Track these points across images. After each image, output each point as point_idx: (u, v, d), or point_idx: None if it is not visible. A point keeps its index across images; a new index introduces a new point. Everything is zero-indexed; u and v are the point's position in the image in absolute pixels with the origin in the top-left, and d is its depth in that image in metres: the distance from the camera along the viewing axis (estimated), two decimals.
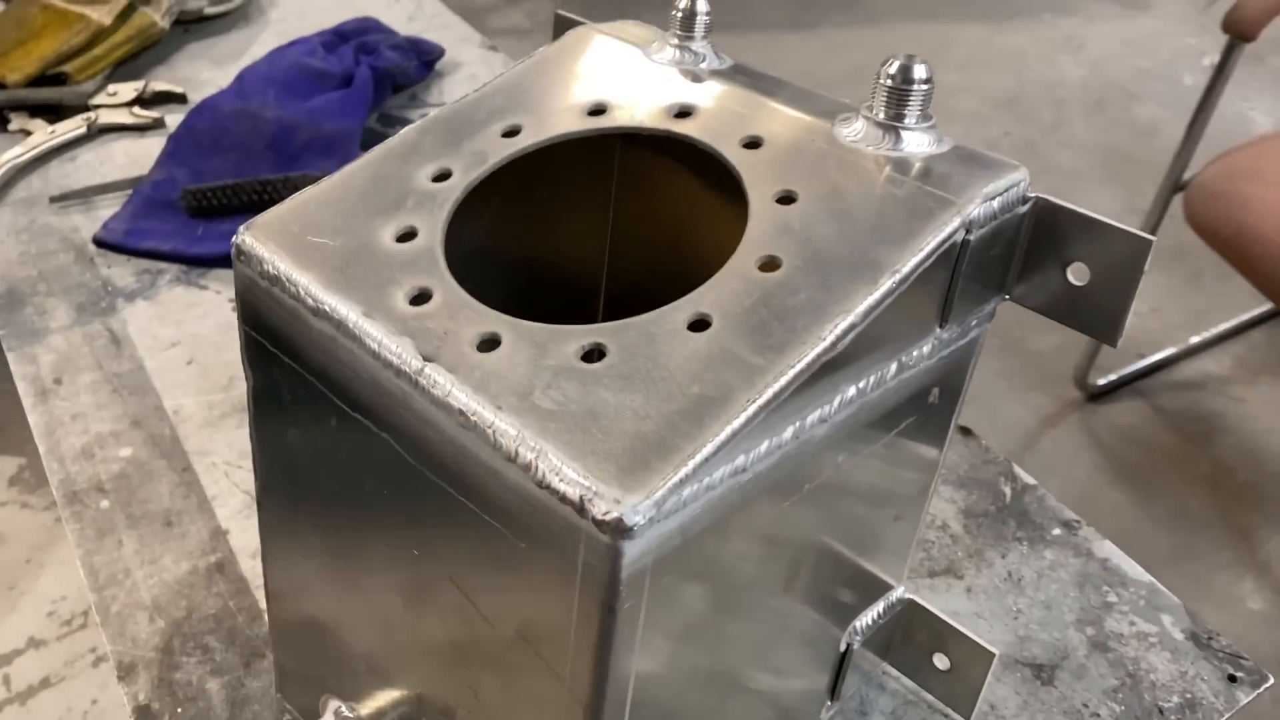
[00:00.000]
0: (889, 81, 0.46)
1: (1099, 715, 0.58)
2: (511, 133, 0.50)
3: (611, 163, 0.57)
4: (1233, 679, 0.59)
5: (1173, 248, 2.27)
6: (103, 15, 1.15)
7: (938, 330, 0.46)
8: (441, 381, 0.39)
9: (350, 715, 0.54)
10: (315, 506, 0.50)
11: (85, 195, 0.98)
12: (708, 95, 0.50)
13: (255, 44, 1.21)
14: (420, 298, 0.43)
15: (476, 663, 0.45)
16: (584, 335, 0.40)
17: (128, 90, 1.09)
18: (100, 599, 0.67)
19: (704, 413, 0.37)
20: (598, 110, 0.51)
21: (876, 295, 0.40)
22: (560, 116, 0.50)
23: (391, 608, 0.48)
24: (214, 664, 0.63)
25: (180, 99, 1.10)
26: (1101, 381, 1.97)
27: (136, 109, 1.08)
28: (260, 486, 0.53)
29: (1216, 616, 1.63)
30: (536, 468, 0.36)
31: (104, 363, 0.83)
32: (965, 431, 0.74)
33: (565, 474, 0.35)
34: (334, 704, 0.54)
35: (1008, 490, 0.70)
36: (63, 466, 0.75)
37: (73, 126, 1.05)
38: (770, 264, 0.42)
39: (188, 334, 0.85)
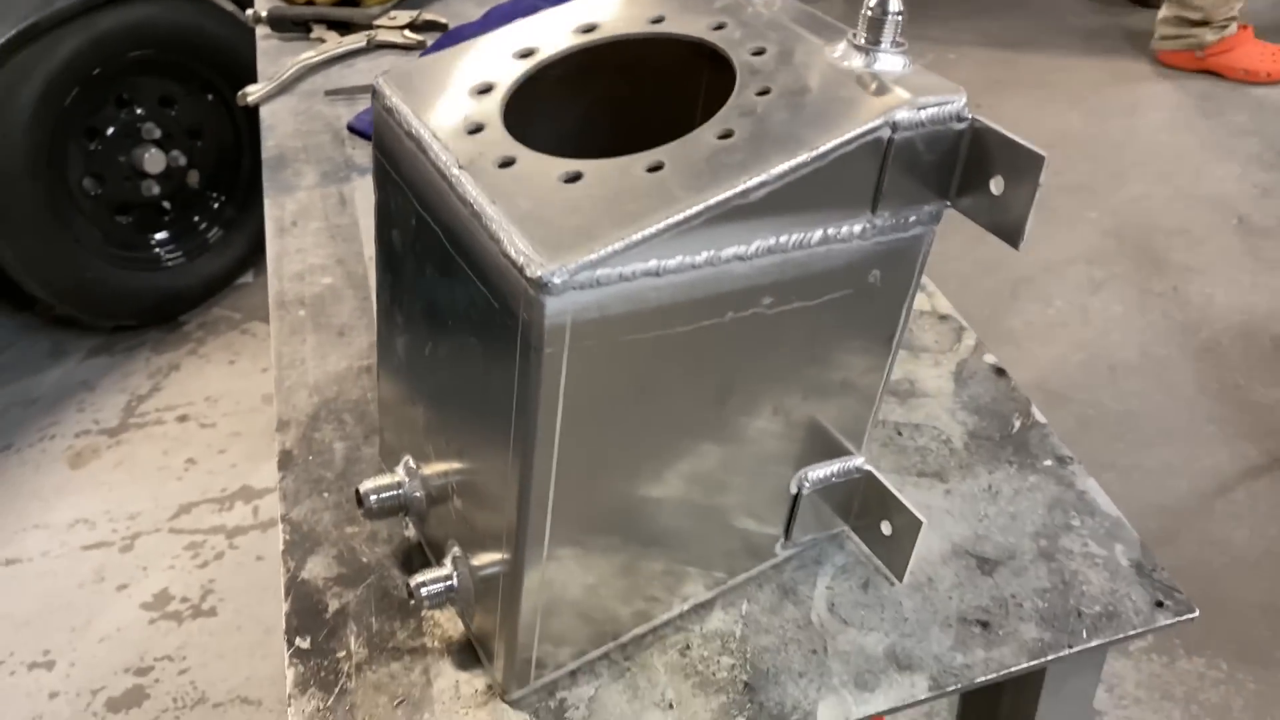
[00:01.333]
0: (868, 11, 0.56)
1: (1022, 605, 0.65)
2: (588, 30, 0.65)
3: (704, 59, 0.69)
4: (1160, 604, 0.65)
5: None
6: None
7: (869, 215, 0.56)
8: (465, 182, 0.54)
9: (414, 467, 0.70)
10: (403, 293, 0.67)
11: (350, 93, 1.22)
12: (743, 16, 0.63)
13: None
14: (475, 129, 0.58)
15: (470, 407, 0.60)
16: (571, 165, 0.54)
17: (404, 16, 1.33)
18: (279, 375, 0.88)
19: (629, 223, 0.50)
20: (657, 20, 0.64)
21: (792, 164, 0.52)
22: (627, 21, 0.64)
23: (434, 378, 0.64)
24: (344, 432, 0.82)
25: (443, 28, 1.32)
26: None
27: (408, 31, 1.31)
28: (377, 282, 0.71)
29: None
30: (504, 243, 0.51)
31: (330, 215, 1.05)
32: (999, 372, 0.81)
33: (518, 247, 0.50)
34: (405, 458, 0.72)
35: (1017, 423, 0.77)
36: (280, 284, 0.97)
37: (356, 40, 1.29)
38: (726, 134, 0.54)
39: None
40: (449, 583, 0.65)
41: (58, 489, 2.14)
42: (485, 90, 0.61)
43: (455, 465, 0.64)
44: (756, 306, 0.56)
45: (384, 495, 0.70)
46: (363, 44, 1.29)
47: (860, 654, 0.64)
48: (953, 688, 0.62)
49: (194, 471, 2.15)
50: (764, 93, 0.56)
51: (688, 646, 0.66)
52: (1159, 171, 2.56)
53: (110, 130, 2.30)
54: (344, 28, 1.33)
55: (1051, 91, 2.90)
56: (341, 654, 0.67)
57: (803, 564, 0.69)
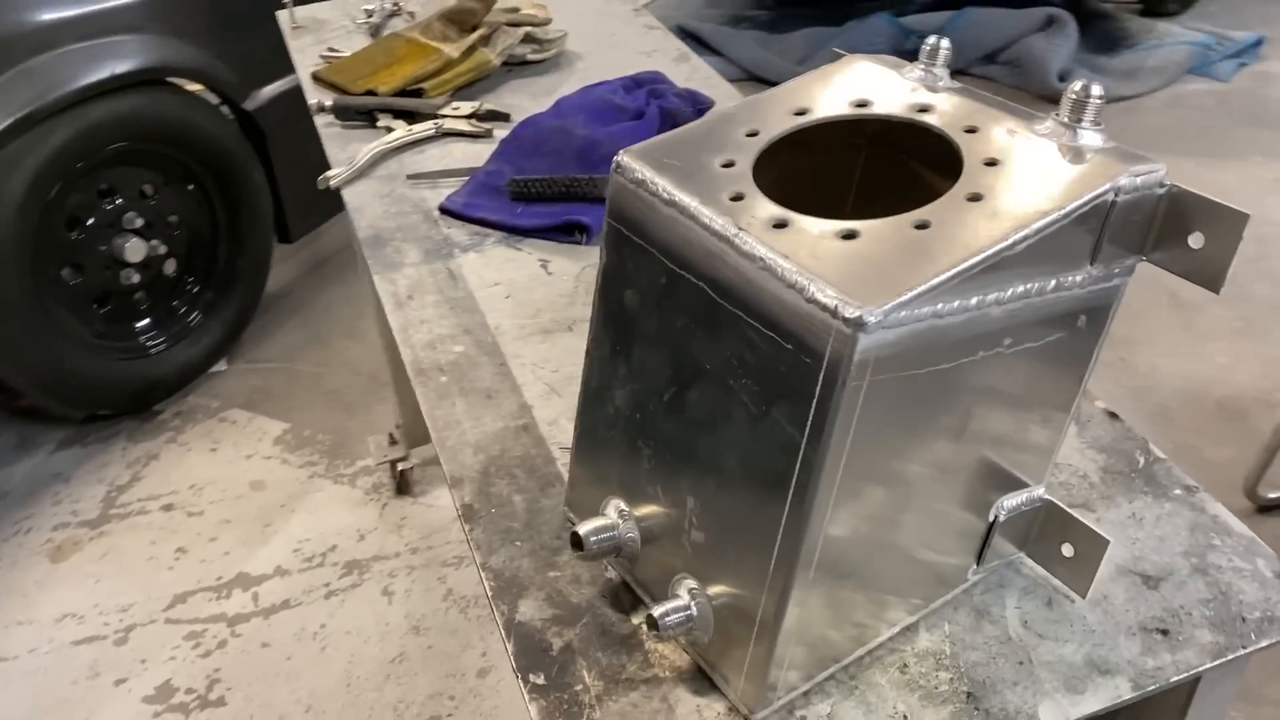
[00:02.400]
0: (1073, 94, 0.66)
1: (1191, 615, 0.74)
2: (801, 113, 0.73)
3: (863, 139, 0.78)
4: None
5: None
6: (453, 50, 1.47)
7: (1089, 266, 0.65)
8: (751, 240, 0.62)
9: (626, 510, 0.76)
10: (633, 347, 0.73)
11: (433, 176, 1.28)
12: (942, 100, 0.72)
13: (562, 85, 1.50)
14: (737, 198, 0.66)
15: (733, 448, 0.66)
16: (845, 225, 0.62)
17: (467, 106, 1.40)
18: (439, 437, 0.92)
19: (918, 272, 0.58)
20: (863, 104, 0.73)
21: (1045, 221, 0.61)
22: (835, 106, 0.73)
23: (674, 423, 0.70)
24: (518, 485, 0.87)
25: (505, 118, 1.40)
26: (1272, 495, 2.03)
27: (473, 121, 1.38)
28: (592, 339, 0.77)
29: None
30: (807, 289, 0.58)
31: (444, 289, 1.10)
32: (1113, 415, 0.91)
33: (827, 292, 0.57)
34: (614, 502, 0.77)
35: (1141, 459, 0.87)
36: (413, 352, 1.02)
37: (425, 128, 1.36)
38: (975, 197, 0.63)
39: (506, 278, 1.12)
40: (688, 613, 0.70)
41: (39, 583, 2.07)
42: (729, 164, 0.69)
43: (699, 503, 0.70)
44: (1000, 346, 0.64)
45: (602, 537, 0.75)
46: (431, 132, 1.36)
47: (1062, 663, 0.71)
48: (1152, 687, 0.70)
49: (186, 560, 2.11)
50: (992, 163, 0.66)
51: (905, 665, 0.72)
52: None
53: (91, 220, 2.29)
54: (409, 117, 1.39)
55: None
56: (578, 687, 0.71)
57: (988, 588, 0.77)
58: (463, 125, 1.37)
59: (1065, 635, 0.73)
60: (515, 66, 1.56)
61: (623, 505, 0.76)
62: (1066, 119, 0.67)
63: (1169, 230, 0.66)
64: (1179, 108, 3.50)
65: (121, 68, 2.19)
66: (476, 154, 1.33)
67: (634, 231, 0.71)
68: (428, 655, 1.88)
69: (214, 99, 2.43)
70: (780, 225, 0.63)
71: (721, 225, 0.64)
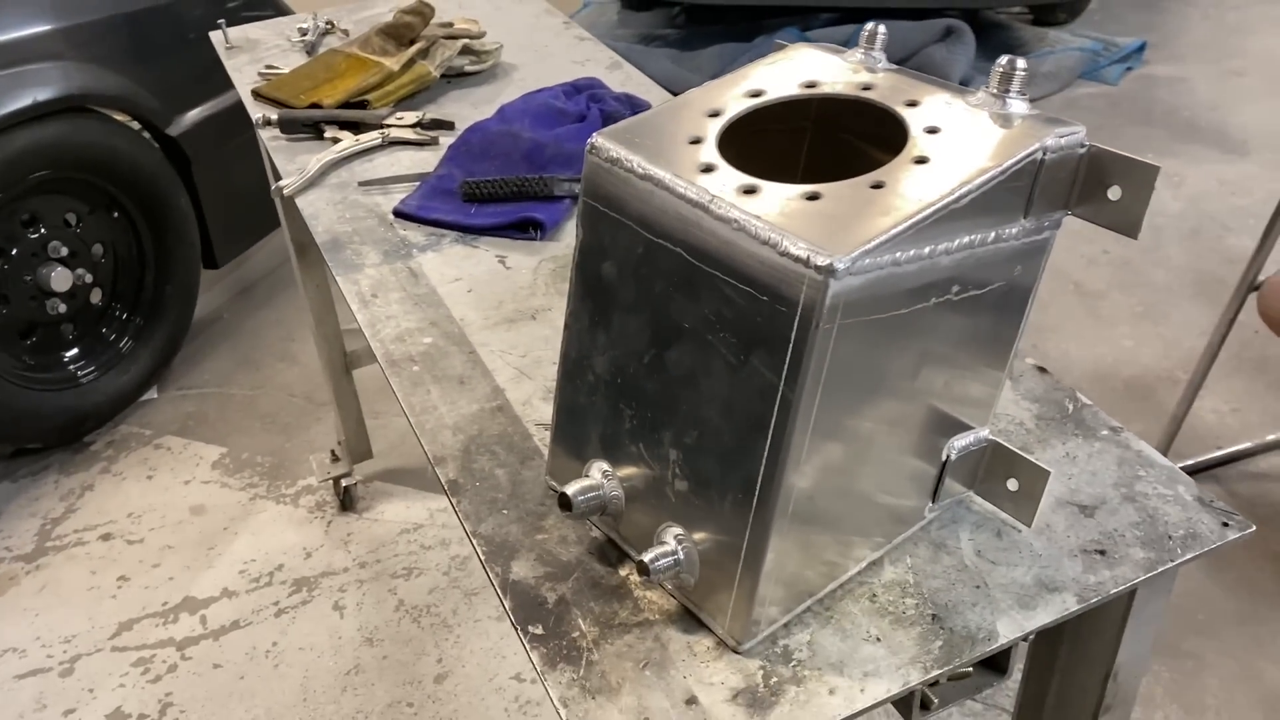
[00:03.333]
0: (1000, 68, 0.74)
1: (1124, 536, 0.82)
2: (755, 94, 0.80)
3: (806, 121, 0.85)
4: (1225, 525, 0.83)
5: (1256, 359, 2.47)
6: (393, 63, 1.52)
7: (1022, 219, 0.73)
8: (724, 204, 0.68)
9: (609, 470, 0.81)
10: (612, 315, 0.78)
11: (384, 183, 1.32)
12: (882, 80, 0.80)
13: (501, 95, 1.56)
14: (707, 169, 0.72)
15: (714, 398, 0.72)
16: (805, 188, 0.69)
17: (411, 116, 1.44)
18: (417, 421, 0.96)
19: (877, 224, 0.65)
20: (811, 85, 0.80)
21: (985, 177, 0.68)
22: (785, 88, 0.80)
23: (655, 382, 0.76)
24: (499, 460, 0.92)
25: (449, 126, 1.44)
26: (1179, 465, 2.15)
27: (419, 129, 1.42)
28: (571, 313, 0.82)
29: (1276, 671, 1.79)
30: (780, 244, 0.64)
31: (406, 287, 1.14)
32: (1042, 370, 0.99)
33: (799, 245, 0.64)
34: (598, 464, 0.82)
35: (1070, 406, 0.95)
36: (383, 346, 1.06)
37: (372, 138, 1.40)
38: (922, 160, 0.70)
39: (466, 274, 1.16)
40: (675, 557, 0.76)
41: None
42: (695, 141, 0.75)
43: (682, 455, 0.76)
44: (949, 294, 0.71)
45: (588, 496, 0.80)
46: (379, 141, 1.40)
47: (1015, 584, 0.78)
48: (1095, 600, 0.77)
49: (129, 588, 2.09)
50: (933, 130, 0.73)
51: (874, 595, 0.78)
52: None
53: (15, 250, 2.27)
54: (355, 128, 1.43)
55: None
56: (575, 634, 0.76)
57: (943, 524, 0.84)
58: (409, 134, 1.41)
59: (1015, 560, 0.80)
60: (454, 78, 1.60)
61: (606, 466, 0.82)
62: (995, 90, 0.75)
63: (1090, 185, 0.74)
64: (1073, 109, 3.69)
65: (42, 95, 2.18)
66: (424, 161, 1.38)
67: (610, 207, 0.76)
68: (383, 665, 1.90)
69: (136, 125, 2.43)
70: (749, 191, 0.69)
71: (696, 193, 0.70)
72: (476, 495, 0.88)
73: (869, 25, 0.83)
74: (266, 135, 1.46)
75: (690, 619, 0.77)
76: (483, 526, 0.85)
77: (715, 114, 0.78)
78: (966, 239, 0.70)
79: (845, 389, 0.69)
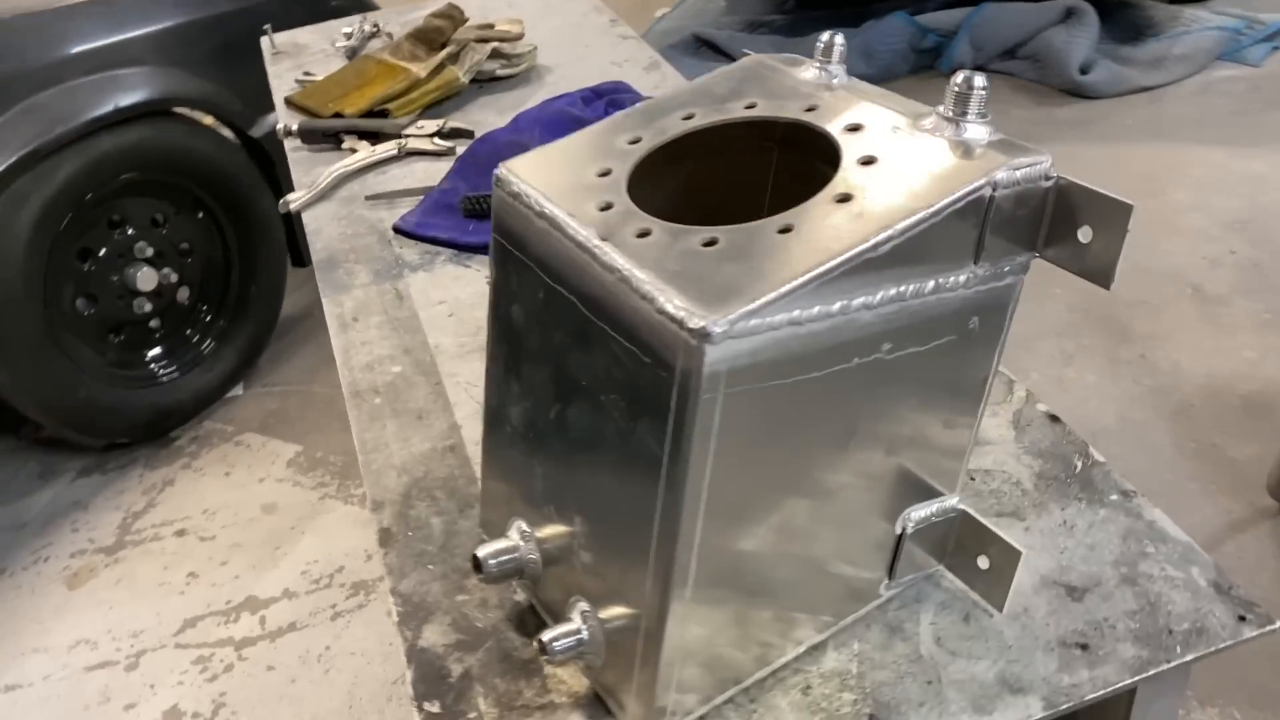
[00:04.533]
0: (955, 87, 0.64)
1: (1114, 628, 0.70)
2: (688, 117, 0.71)
3: (772, 142, 0.76)
4: (1242, 618, 0.70)
5: None
6: (420, 70, 1.47)
7: (973, 265, 0.62)
8: (609, 252, 0.60)
9: (528, 531, 0.74)
10: (523, 363, 0.71)
11: (391, 197, 1.28)
12: (832, 98, 0.70)
13: (530, 99, 1.49)
14: (606, 207, 0.64)
15: (608, 465, 0.64)
16: (706, 232, 0.60)
17: (431, 125, 1.40)
18: (366, 460, 0.91)
19: (771, 279, 0.56)
20: (752, 105, 0.71)
21: (911, 220, 0.58)
22: (724, 108, 0.71)
23: (561, 441, 0.69)
24: (438, 508, 0.86)
25: (469, 135, 1.39)
26: None
27: (436, 139, 1.37)
28: (489, 357, 0.75)
29: None
30: (657, 300, 0.56)
31: (389, 310, 1.09)
32: (1053, 419, 0.88)
33: (674, 303, 0.55)
34: (517, 523, 0.75)
35: (1079, 463, 0.83)
36: (351, 374, 1.01)
37: (388, 149, 1.36)
38: (844, 198, 0.61)
39: (452, 296, 1.11)
40: (579, 636, 0.68)
41: (56, 610, 2.11)
42: (605, 173, 0.67)
43: (584, 522, 0.68)
44: (878, 352, 0.61)
45: (502, 560, 0.73)
46: (394, 152, 1.36)
47: (973, 681, 0.68)
48: (1065, 705, 0.66)
49: (196, 585, 2.13)
50: (869, 162, 0.63)
51: (808, 687, 0.69)
52: None
53: (103, 251, 2.33)
54: (374, 137, 1.39)
55: None
56: (472, 715, 0.70)
57: (904, 603, 0.74)
58: (425, 144, 1.37)
59: (979, 652, 0.70)
60: (485, 83, 1.55)
61: (524, 526, 0.75)
62: (950, 113, 0.64)
63: (1060, 225, 0.63)
64: (1208, 95, 3.40)
65: (127, 100, 2.23)
66: (438, 172, 1.33)
67: (515, 245, 0.69)
68: None
69: (221, 128, 2.46)
70: (643, 234, 0.61)
71: (584, 236, 0.62)
72: (406, 547, 0.83)
73: (825, 35, 0.73)
74: (289, 145, 1.44)
75: (600, 704, 0.70)
76: (405, 583, 0.80)
77: (636, 140, 0.70)
78: (894, 291, 0.60)
79: (749, 458, 0.60)
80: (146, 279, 2.38)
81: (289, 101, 1.54)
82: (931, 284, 0.61)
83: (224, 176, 2.44)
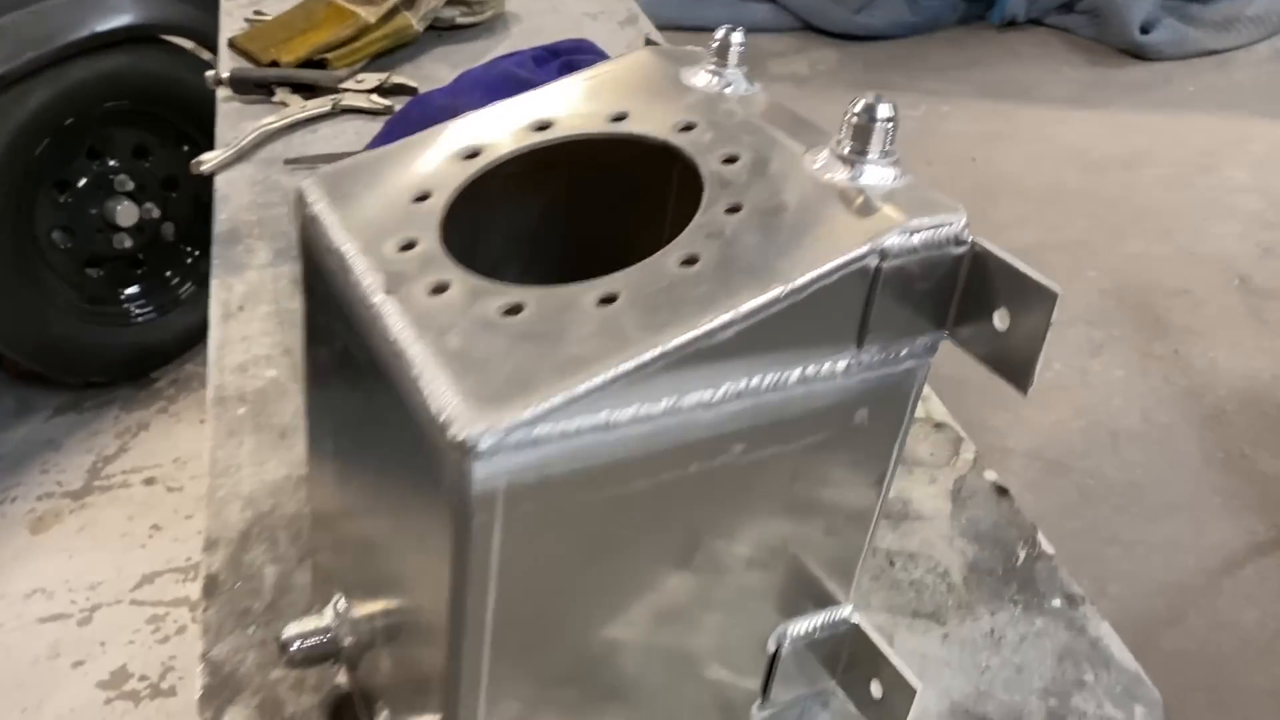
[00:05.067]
0: (853, 118, 0.49)
1: None
2: (542, 127, 0.57)
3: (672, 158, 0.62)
4: None
5: None
6: (369, 14, 1.33)
7: (855, 351, 0.49)
8: (389, 313, 0.47)
9: (345, 608, 0.62)
10: (332, 413, 0.59)
11: (312, 162, 1.15)
12: (715, 115, 0.56)
13: (491, 53, 1.35)
14: (407, 246, 0.51)
15: (400, 560, 0.52)
16: (513, 294, 0.47)
17: (372, 80, 1.26)
18: (212, 485, 0.80)
19: (573, 369, 0.43)
20: (619, 117, 0.57)
21: (763, 300, 0.44)
22: (586, 119, 0.57)
23: (365, 510, 0.57)
24: (276, 554, 0.74)
25: (412, 92, 1.26)
26: None
27: (375, 96, 1.24)
28: (307, 396, 0.63)
29: None
30: (427, 393, 0.43)
31: (280, 299, 0.97)
32: (1001, 491, 0.74)
33: (442, 400, 0.42)
34: (337, 597, 0.63)
35: (1021, 554, 0.69)
36: (220, 376, 0.89)
37: (320, 105, 1.23)
38: (690, 260, 0.47)
39: None
40: None
41: (16, 556, 2.05)
42: (423, 197, 0.54)
43: (384, 612, 0.56)
44: (726, 455, 0.48)
45: (309, 644, 0.62)
46: (328, 109, 1.23)
47: None
48: None
49: (159, 539, 2.06)
50: (734, 210, 0.49)
51: None
52: (1158, 229, 2.50)
53: (82, 182, 2.24)
54: (309, 91, 1.26)
55: (1048, 145, 2.85)
56: None
57: None
58: (362, 101, 1.24)
59: None
60: (445, 31, 1.41)
61: (343, 601, 0.63)
62: (845, 150, 0.50)
63: (973, 303, 0.49)
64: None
65: (104, 25, 2.11)
66: (373, 133, 1.19)
67: (317, 279, 0.56)
68: None
69: (206, 55, 2.34)
70: (438, 290, 0.48)
71: (368, 286, 0.49)
72: (230, 602, 0.72)
73: (719, 32, 0.58)
74: (220, 96, 1.31)
75: None
76: (220, 647, 0.69)
77: (474, 154, 0.57)
78: (743, 384, 0.46)
79: (552, 585, 0.48)
80: (127, 214, 2.28)
81: (232, 44, 1.41)
82: (797, 374, 0.48)
83: (211, 108, 2.32)
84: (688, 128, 0.55)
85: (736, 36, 0.58)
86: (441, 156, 0.57)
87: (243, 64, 1.34)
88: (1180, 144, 2.80)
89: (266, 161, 1.17)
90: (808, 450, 0.51)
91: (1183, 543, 1.82)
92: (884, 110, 0.49)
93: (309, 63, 1.30)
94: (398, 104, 1.23)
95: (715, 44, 0.58)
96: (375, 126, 1.21)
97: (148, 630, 1.89)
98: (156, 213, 2.34)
